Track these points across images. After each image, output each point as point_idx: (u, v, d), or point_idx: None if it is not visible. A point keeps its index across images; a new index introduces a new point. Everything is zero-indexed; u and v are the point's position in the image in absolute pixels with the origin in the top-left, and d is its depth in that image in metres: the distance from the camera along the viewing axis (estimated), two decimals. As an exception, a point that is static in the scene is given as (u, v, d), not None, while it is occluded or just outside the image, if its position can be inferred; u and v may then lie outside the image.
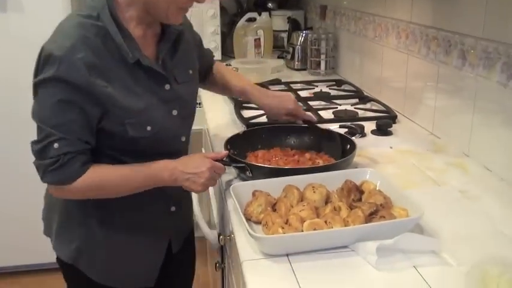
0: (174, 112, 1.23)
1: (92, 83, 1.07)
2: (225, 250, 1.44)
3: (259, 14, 2.80)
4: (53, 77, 1.06)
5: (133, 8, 1.14)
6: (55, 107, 1.08)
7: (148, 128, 1.16)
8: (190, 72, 1.30)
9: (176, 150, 1.26)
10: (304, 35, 2.60)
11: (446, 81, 1.52)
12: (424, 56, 1.62)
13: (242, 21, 2.78)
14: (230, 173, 1.30)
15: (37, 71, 1.10)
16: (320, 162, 1.31)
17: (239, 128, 1.65)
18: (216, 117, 1.85)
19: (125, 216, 1.26)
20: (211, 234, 1.51)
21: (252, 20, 2.80)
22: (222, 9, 2.99)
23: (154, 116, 1.17)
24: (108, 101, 1.10)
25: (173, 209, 1.33)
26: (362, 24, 2.14)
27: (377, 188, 1.13)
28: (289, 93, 1.49)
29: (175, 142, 1.28)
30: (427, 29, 1.59)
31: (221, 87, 1.55)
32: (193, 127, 2.07)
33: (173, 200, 1.33)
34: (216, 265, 1.52)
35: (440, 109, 1.56)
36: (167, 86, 1.21)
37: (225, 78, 1.53)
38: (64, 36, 1.08)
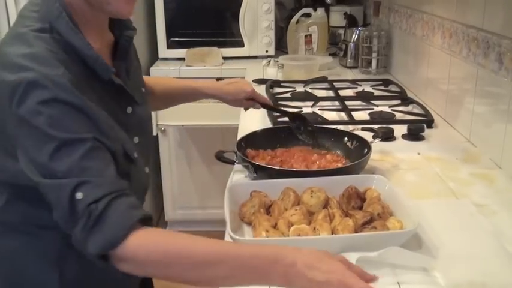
0: (136, 139, 1.00)
1: (83, 99, 0.83)
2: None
3: (315, 10, 2.75)
4: (49, 100, 0.79)
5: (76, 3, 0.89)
6: None
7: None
8: (143, 90, 1.10)
9: (144, 187, 1.02)
10: (357, 31, 2.51)
11: (483, 85, 1.41)
12: (465, 58, 1.51)
13: (297, 17, 2.75)
14: (242, 171, 1.28)
15: (15, 106, 0.79)
16: (330, 165, 1.26)
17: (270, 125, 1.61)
18: (250, 114, 1.81)
19: None
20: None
21: (307, 15, 2.75)
22: (280, 4, 2.97)
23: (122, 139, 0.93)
24: (99, 120, 0.85)
25: None
26: (412, 22, 2.03)
27: (380, 196, 1.07)
28: (244, 78, 1.41)
29: (141, 175, 1.01)
30: (468, 28, 1.48)
31: (165, 98, 1.35)
32: (231, 122, 2.09)
33: None
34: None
35: (478, 115, 1.45)
36: (129, 109, 0.98)
37: (166, 86, 1.35)
38: (33, 57, 0.81)
